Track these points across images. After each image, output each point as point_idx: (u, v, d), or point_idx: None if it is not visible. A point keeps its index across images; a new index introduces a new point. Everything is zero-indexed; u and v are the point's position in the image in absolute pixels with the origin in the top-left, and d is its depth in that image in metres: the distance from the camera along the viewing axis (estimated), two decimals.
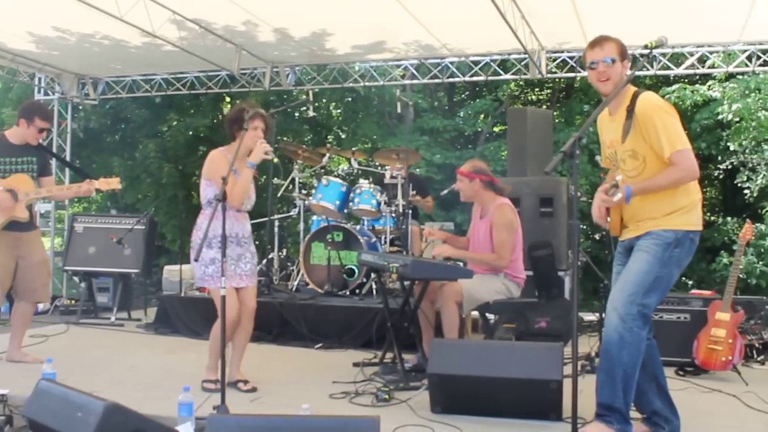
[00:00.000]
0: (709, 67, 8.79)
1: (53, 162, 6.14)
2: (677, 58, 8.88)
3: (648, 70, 8.87)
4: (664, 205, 3.65)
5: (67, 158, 10.35)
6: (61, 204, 11.07)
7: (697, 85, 11.77)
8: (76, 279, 9.68)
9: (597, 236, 12.88)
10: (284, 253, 8.28)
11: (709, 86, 11.52)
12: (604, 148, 3.95)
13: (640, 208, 3.71)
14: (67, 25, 8.23)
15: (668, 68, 8.81)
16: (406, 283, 5.54)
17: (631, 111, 3.65)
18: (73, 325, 7.46)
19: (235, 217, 4.80)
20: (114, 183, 5.56)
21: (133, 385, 4.91)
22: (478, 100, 15.21)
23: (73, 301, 8.56)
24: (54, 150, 10.01)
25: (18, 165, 5.46)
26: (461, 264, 5.51)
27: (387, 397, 4.53)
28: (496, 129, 15.78)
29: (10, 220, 5.37)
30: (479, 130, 15.29)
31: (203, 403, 4.21)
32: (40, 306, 7.98)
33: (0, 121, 13.43)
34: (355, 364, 5.53)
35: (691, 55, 8.56)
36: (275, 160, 4.62)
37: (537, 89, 16.67)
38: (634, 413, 3.79)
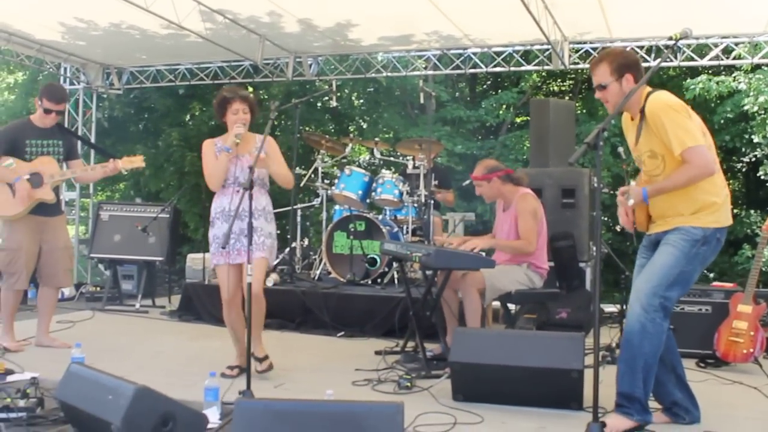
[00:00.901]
0: (734, 59, 8.69)
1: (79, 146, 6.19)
2: (702, 49, 8.80)
3: (672, 61, 8.82)
4: (693, 202, 3.65)
5: None
6: (85, 192, 11.21)
7: (722, 77, 11.67)
8: (101, 266, 9.82)
9: (618, 228, 12.85)
10: (306, 243, 8.35)
11: (734, 77, 11.41)
12: (631, 150, 3.96)
13: (667, 206, 3.72)
14: (93, 16, 8.33)
15: (693, 59, 8.74)
16: (429, 272, 5.55)
17: (643, 112, 3.67)
18: (98, 311, 7.57)
19: (237, 193, 4.61)
20: (137, 161, 5.60)
21: (158, 370, 4.97)
22: (500, 92, 15.16)
23: (98, 288, 8.67)
24: None
25: (44, 148, 5.51)
26: (484, 254, 5.52)
27: (409, 384, 4.56)
28: (518, 120, 15.75)
29: (37, 203, 5.44)
30: (501, 120, 15.27)
31: (228, 389, 4.28)
32: (66, 292, 8.11)
33: (27, 111, 13.61)
34: (377, 353, 5.58)
35: (716, 46, 8.48)
36: (238, 142, 4.69)
37: (559, 80, 16.60)
38: (653, 403, 3.82)
